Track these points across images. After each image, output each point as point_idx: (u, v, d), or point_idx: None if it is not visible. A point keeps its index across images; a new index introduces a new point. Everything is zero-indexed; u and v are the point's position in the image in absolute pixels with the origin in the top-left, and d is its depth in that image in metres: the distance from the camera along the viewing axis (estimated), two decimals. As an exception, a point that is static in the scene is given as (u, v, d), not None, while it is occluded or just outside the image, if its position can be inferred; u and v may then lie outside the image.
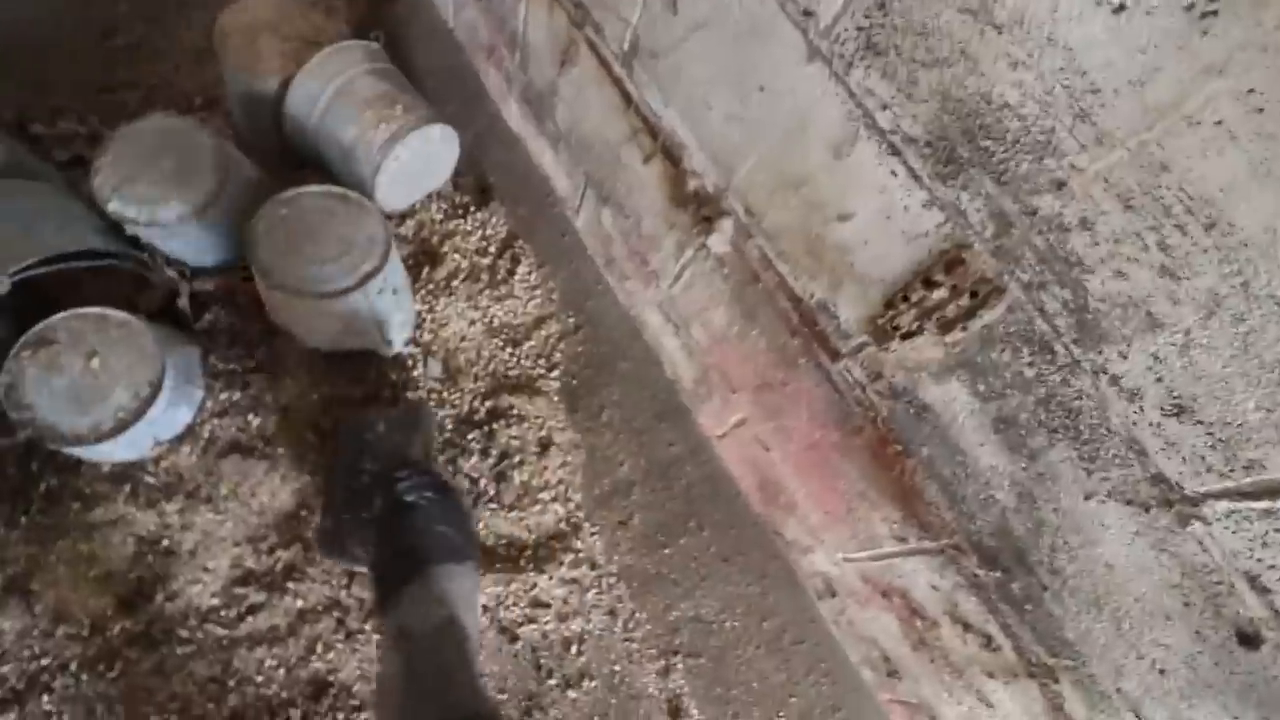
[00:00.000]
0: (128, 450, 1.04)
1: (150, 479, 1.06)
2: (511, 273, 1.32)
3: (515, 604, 1.17)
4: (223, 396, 1.11)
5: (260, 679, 1.06)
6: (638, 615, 1.21)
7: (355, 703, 1.08)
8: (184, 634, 1.04)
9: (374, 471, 0.95)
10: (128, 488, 1.05)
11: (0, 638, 0.98)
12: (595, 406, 1.27)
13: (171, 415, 1.04)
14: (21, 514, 1.02)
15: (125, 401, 0.98)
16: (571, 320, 1.30)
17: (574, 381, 1.28)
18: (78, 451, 0.97)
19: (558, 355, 1.29)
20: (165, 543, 1.05)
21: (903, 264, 0.67)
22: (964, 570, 0.77)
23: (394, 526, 0.84)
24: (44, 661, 0.99)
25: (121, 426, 0.96)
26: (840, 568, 1.00)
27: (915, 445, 0.76)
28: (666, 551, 1.21)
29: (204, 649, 1.05)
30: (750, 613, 1.16)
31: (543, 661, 1.14)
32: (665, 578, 1.21)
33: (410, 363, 1.24)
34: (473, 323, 1.28)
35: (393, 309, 1.13)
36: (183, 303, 1.14)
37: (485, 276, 1.31)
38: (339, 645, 1.09)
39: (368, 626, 1.11)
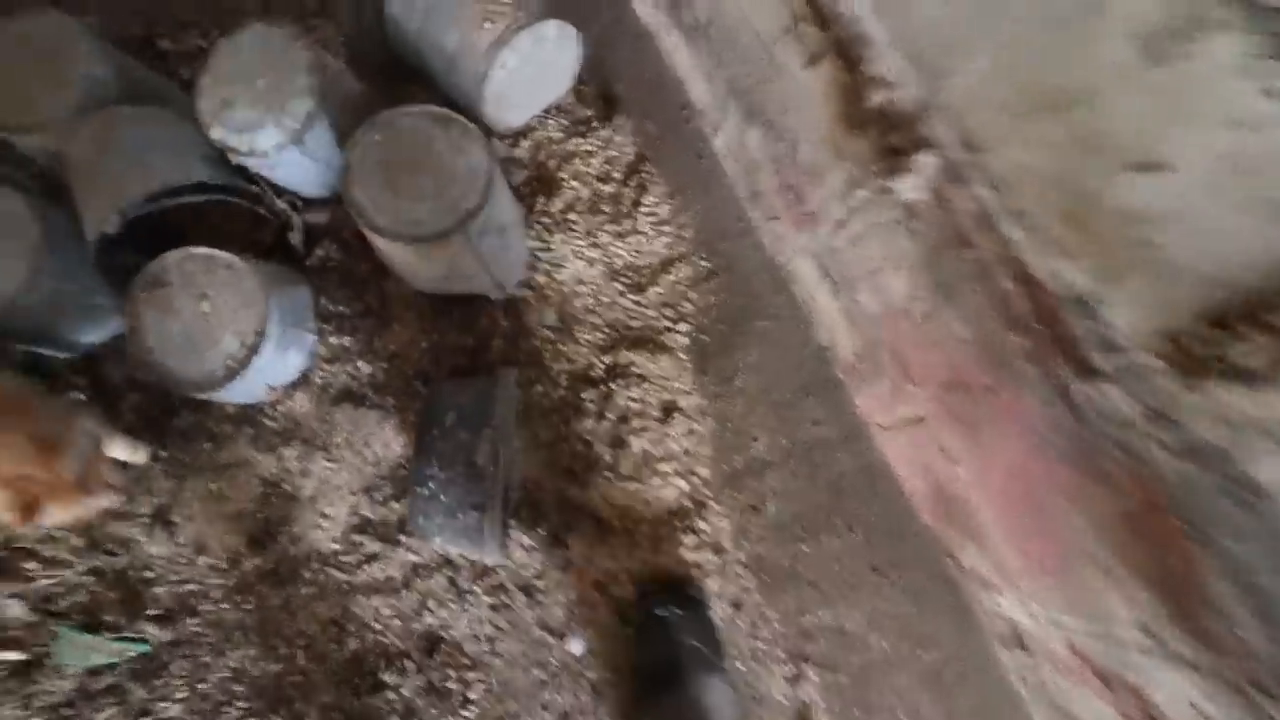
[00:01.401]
0: (243, 396, 1.02)
1: (270, 423, 1.05)
2: (637, 204, 1.11)
3: (627, 583, 1.06)
4: (333, 341, 1.05)
5: (378, 626, 1.05)
6: (766, 612, 1.05)
7: (466, 661, 1.05)
8: (307, 575, 1.05)
9: (457, 444, 0.85)
10: (250, 431, 1.04)
11: (152, 562, 1.04)
12: (728, 369, 1.07)
13: (282, 360, 0.99)
14: (161, 449, 1.05)
15: (234, 349, 0.94)
16: (705, 264, 1.08)
17: (705, 338, 1.08)
18: (202, 396, 0.96)
19: (687, 305, 1.09)
20: (286, 487, 1.04)
21: (1261, 259, 0.38)
22: (1261, 715, 0.52)
23: (647, 639, 0.93)
24: (190, 587, 1.04)
25: (230, 374, 0.93)
26: (1040, 625, 0.76)
27: (1214, 532, 0.49)
28: (804, 548, 1.03)
29: (325, 591, 1.06)
30: (904, 636, 0.96)
31: (655, 650, 1.03)
32: (801, 578, 1.03)
33: (523, 308, 1.10)
34: (592, 263, 1.11)
35: (500, 249, 0.98)
36: (294, 238, 1.07)
37: (607, 208, 1.11)
38: (451, 604, 1.05)
39: (478, 587, 1.06)
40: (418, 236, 0.90)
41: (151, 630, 1.05)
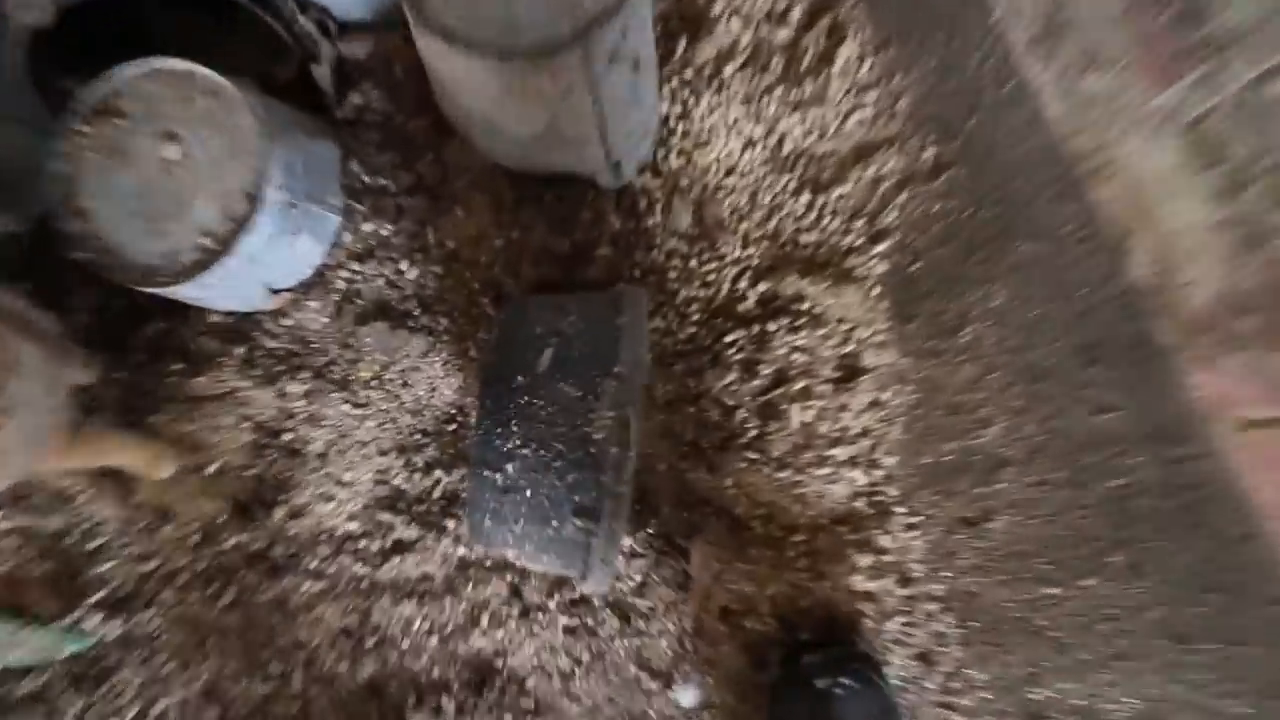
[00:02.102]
0: (231, 299, 0.68)
1: (270, 343, 0.71)
2: (827, 59, 0.74)
3: (769, 614, 0.72)
4: (366, 229, 0.71)
5: (406, 644, 0.73)
6: (971, 674, 0.71)
7: (529, 704, 0.73)
8: (313, 564, 0.73)
9: (557, 402, 0.50)
10: (241, 352, 0.71)
11: (97, 527, 0.73)
12: (951, 316, 0.71)
13: (289, 249, 0.65)
14: (118, 367, 0.72)
15: (211, 221, 0.60)
16: (929, 153, 0.71)
17: (916, 266, 0.72)
18: (164, 293, 0.62)
19: (892, 216, 0.73)
20: (288, 437, 0.72)
21: None
22: None
23: (793, 711, 0.63)
24: (148, 566, 0.73)
25: (204, 261, 0.59)
26: None
27: None
28: (1049, 590, 0.68)
29: (338, 588, 0.74)
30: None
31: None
32: (1039, 633, 0.69)
33: (646, 204, 0.74)
34: (751, 144, 0.74)
35: (627, 101, 0.63)
36: (321, 72, 0.72)
37: (779, 64, 0.74)
38: (511, 621, 0.73)
39: (552, 604, 0.73)
40: (510, 49, 0.54)
41: (95, 621, 0.74)
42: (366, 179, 0.72)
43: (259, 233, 0.62)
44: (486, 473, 0.50)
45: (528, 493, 0.50)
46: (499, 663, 0.74)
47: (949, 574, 0.73)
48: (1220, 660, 0.63)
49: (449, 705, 0.73)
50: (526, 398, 0.49)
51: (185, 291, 0.63)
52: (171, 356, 0.73)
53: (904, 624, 0.73)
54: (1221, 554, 0.61)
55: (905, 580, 0.73)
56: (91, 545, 0.75)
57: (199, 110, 0.62)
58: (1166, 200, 0.54)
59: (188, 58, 0.64)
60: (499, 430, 0.50)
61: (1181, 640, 0.63)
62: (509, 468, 0.50)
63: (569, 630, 0.74)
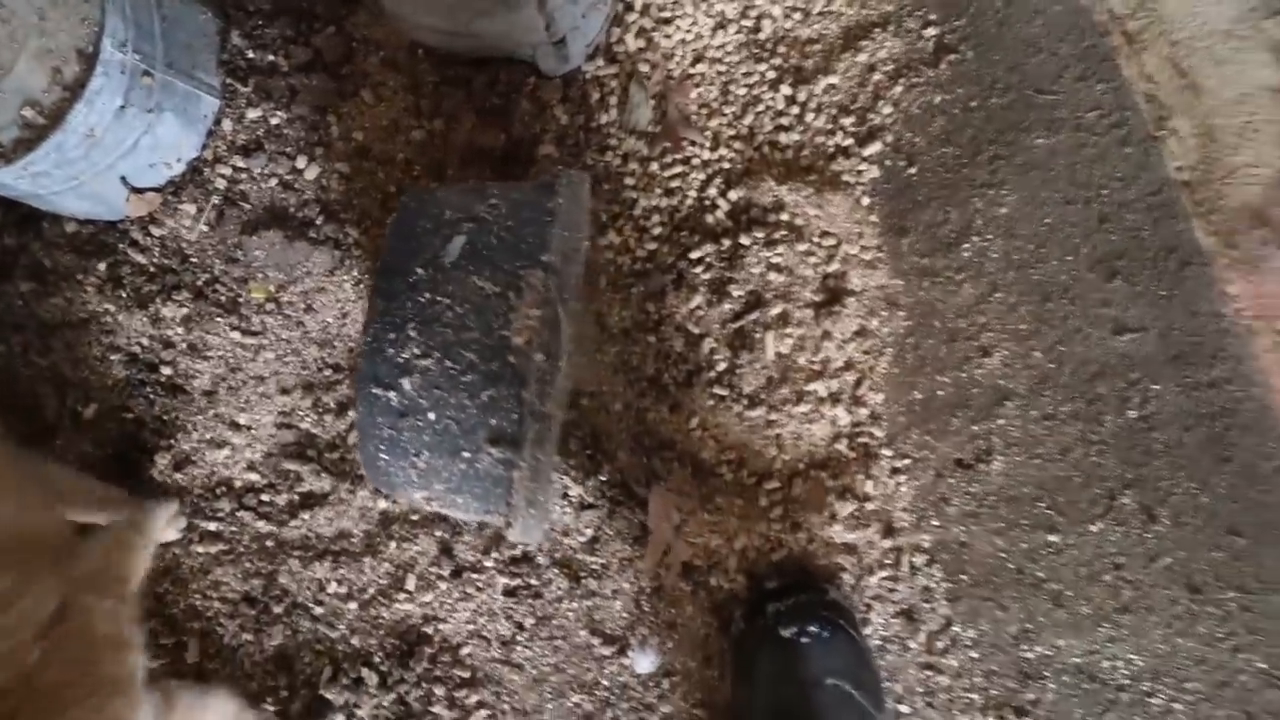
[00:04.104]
0: (85, 201, 0.55)
1: (138, 257, 0.58)
2: (813, -82, 0.62)
3: (736, 570, 0.64)
4: (252, 115, 0.58)
5: (320, 610, 0.63)
6: (957, 631, 0.64)
7: (463, 673, 0.64)
8: (209, 525, 0.62)
9: (466, 299, 0.38)
10: (103, 267, 0.58)
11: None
12: (951, 227, 0.61)
13: (146, 131, 0.52)
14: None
15: (35, 88, 0.46)
16: (930, 32, 0.60)
17: (910, 170, 0.62)
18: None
19: (886, 111, 0.62)
20: (167, 370, 0.59)
21: None
22: None
23: (765, 674, 0.57)
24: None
25: (29, 139, 0.46)
26: None
27: None
28: (1052, 538, 0.60)
29: (237, 549, 0.63)
30: (1231, 699, 0.55)
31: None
32: (1037, 585, 0.61)
33: (598, 95, 0.62)
34: (723, 24, 0.62)
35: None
36: (191, -77, 0.57)
37: (758, -77, 0.62)
38: (441, 583, 0.63)
39: (489, 563, 0.63)
40: None
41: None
42: (252, 54, 0.59)
43: (99, 103, 0.48)
44: (377, 390, 0.39)
45: (431, 415, 0.39)
46: (429, 630, 0.64)
47: (938, 522, 0.64)
48: (1238, 610, 0.56)
49: (370, 677, 0.64)
50: (429, 295, 0.38)
51: (14, 183, 0.50)
52: (20, 275, 0.60)
53: (886, 578, 0.65)
54: (1249, 490, 0.54)
55: (889, 530, 0.65)
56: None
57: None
58: (1220, 65, 0.44)
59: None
60: (392, 336, 0.39)
61: (1195, 590, 0.56)
62: (405, 384, 0.39)
63: (509, 592, 0.65)
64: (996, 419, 0.62)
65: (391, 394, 0.39)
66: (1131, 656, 0.60)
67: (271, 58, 0.58)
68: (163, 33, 0.52)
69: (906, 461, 0.65)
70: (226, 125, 0.58)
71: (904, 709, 0.65)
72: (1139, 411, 0.56)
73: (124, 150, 0.52)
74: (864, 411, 0.65)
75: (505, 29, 0.57)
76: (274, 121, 0.58)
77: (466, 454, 0.41)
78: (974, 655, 0.65)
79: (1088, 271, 0.57)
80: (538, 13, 0.55)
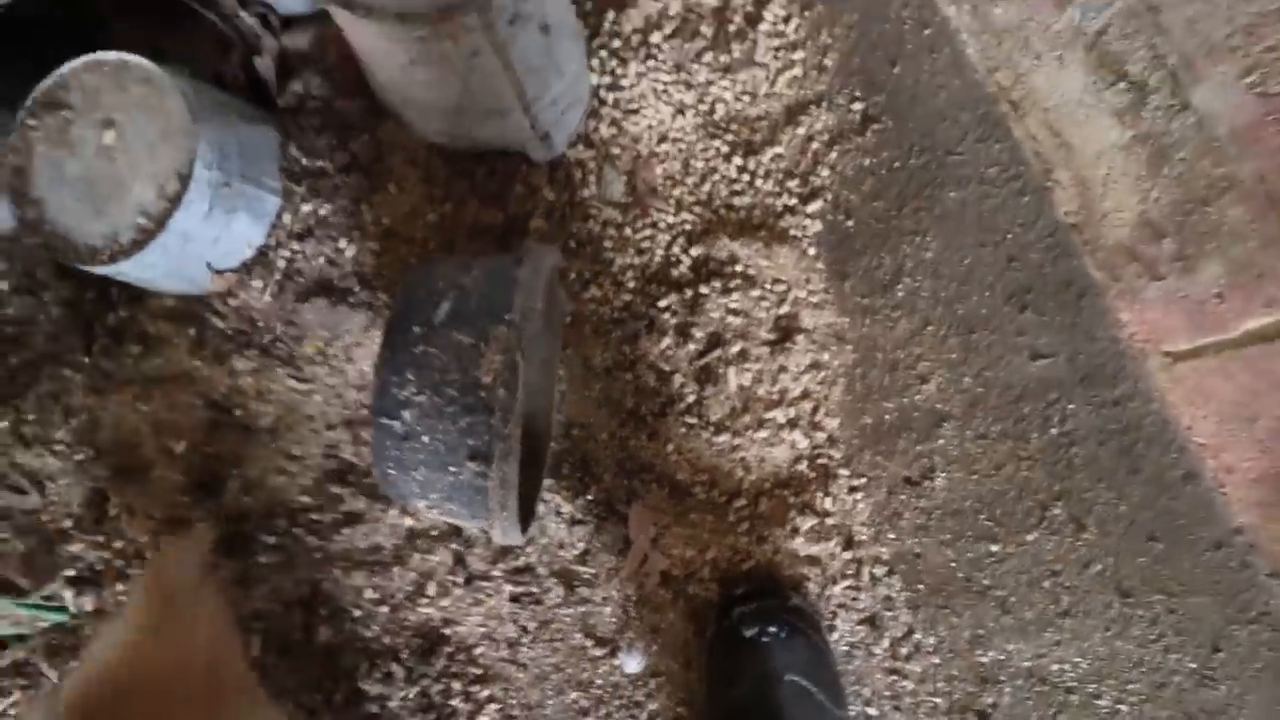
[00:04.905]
0: (179, 281, 0.71)
1: (218, 323, 0.74)
2: (754, 20, 0.73)
3: (710, 579, 0.72)
4: (305, 209, 0.73)
5: (358, 613, 0.75)
6: (919, 638, 0.70)
7: (475, 670, 0.74)
8: (269, 539, 0.75)
9: (450, 350, 0.51)
10: (192, 332, 0.74)
11: (71, 506, 0.76)
12: (885, 271, 0.70)
13: (226, 228, 0.68)
14: (86, 353, 0.76)
15: (147, 200, 0.62)
16: (857, 107, 0.70)
17: (849, 223, 0.71)
18: (108, 272, 0.65)
19: (824, 174, 0.72)
20: (239, 413, 0.74)
21: None
22: None
23: (729, 672, 0.65)
24: (118, 544, 0.76)
25: (142, 238, 0.62)
26: None
27: None
28: (994, 548, 0.66)
29: (293, 560, 0.76)
30: (1163, 706, 0.58)
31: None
32: (984, 592, 0.67)
33: (580, 175, 0.75)
34: (681, 110, 0.74)
35: (542, 62, 0.63)
36: (263, 64, 0.75)
37: (708, 29, 0.74)
38: (456, 589, 0.74)
39: (497, 571, 0.74)
40: (409, 12, 0.55)
41: (69, 596, 0.77)
42: (305, 161, 0.75)
43: (192, 210, 0.64)
44: (385, 420, 0.51)
45: (425, 439, 0.51)
46: (447, 631, 0.75)
47: (894, 535, 0.71)
48: (1164, 613, 0.60)
49: (399, 672, 0.74)
50: (422, 347, 0.51)
51: (130, 271, 0.66)
52: (130, 339, 0.77)
53: (848, 587, 0.72)
54: (1162, 499, 0.58)
55: (849, 543, 0.72)
56: (65, 524, 0.78)
57: (133, 97, 0.65)
58: (1080, 126, 0.52)
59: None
60: (395, 379, 0.51)
61: (1125, 594, 0.60)
62: (406, 415, 0.51)
63: (515, 598, 0.75)
64: (937, 439, 0.69)
65: (396, 423, 0.51)
66: (1076, 659, 0.64)
67: (320, 163, 0.74)
68: (238, 152, 0.68)
69: (862, 480, 0.72)
70: (286, 218, 0.73)
71: (872, 712, 0.71)
72: (1059, 429, 0.62)
73: (209, 242, 0.68)
74: (821, 435, 0.73)
75: (499, 131, 0.70)
76: (322, 213, 0.73)
77: (453, 469, 0.52)
78: (935, 661, 0.70)
79: (1004, 305, 0.64)
80: (524, 117, 0.69)
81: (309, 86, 0.77)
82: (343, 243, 0.74)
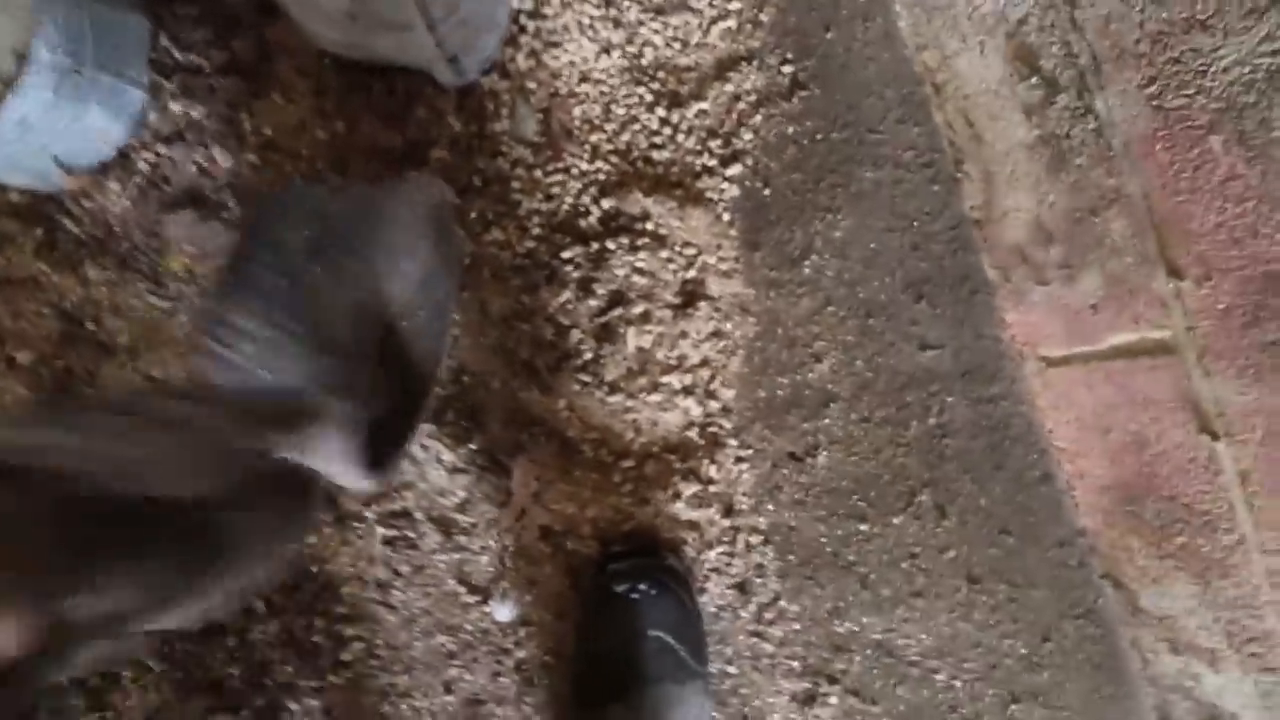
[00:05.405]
0: (22, 174, 0.63)
1: (71, 227, 0.66)
2: (693, -42, 0.68)
3: (590, 537, 0.72)
4: (175, 108, 0.65)
5: (222, 546, 0.71)
6: (784, 606, 0.72)
7: (342, 609, 0.73)
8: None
9: (299, 280, 0.47)
10: (40, 233, 0.66)
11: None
12: (796, 245, 0.68)
13: (79, 119, 0.60)
14: (-89, 241, 0.67)
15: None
16: (786, 70, 0.67)
17: (765, 191, 0.69)
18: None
19: (746, 137, 0.69)
20: (92, 326, 0.68)
21: None
22: None
23: (597, 626, 0.67)
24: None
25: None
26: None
27: None
28: (862, 527, 0.68)
29: (153, 486, 0.71)
30: (994, 685, 0.62)
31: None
32: (847, 568, 0.69)
33: (492, 107, 0.70)
34: (607, 49, 0.69)
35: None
36: (134, -68, 0.65)
37: (643, -41, 0.68)
38: (327, 528, 0.72)
39: (370, 513, 0.72)
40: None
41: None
42: (178, 55, 0.66)
43: (31, 96, 0.56)
44: (220, 349, 0.47)
45: (265, 376, 0.47)
46: (313, 568, 0.73)
47: (772, 507, 0.72)
48: (1005, 601, 0.64)
49: (261, 606, 0.72)
50: (268, 274, 0.46)
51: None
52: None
53: (723, 553, 0.73)
54: (1019, 496, 0.61)
55: (729, 511, 0.73)
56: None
57: (-41, -49, 0.56)
58: (993, 119, 0.51)
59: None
60: (234, 300, 0.47)
61: (974, 581, 0.64)
62: (246, 348, 0.47)
63: (388, 541, 0.73)
64: (824, 418, 0.70)
65: (234, 355, 0.46)
66: (922, 636, 0.68)
67: (195, 58, 0.66)
68: (94, 35, 0.60)
69: (749, 452, 0.73)
70: (153, 117, 0.65)
71: (732, 670, 0.73)
72: (937, 419, 0.64)
73: (54, 133, 0.60)
74: (715, 404, 0.73)
75: (400, 46, 0.64)
76: (194, 115, 0.66)
77: None
78: (796, 627, 0.73)
79: (901, 293, 0.64)
80: (428, 35, 0.62)
81: (189, -34, 0.68)
82: (217, 151, 0.67)
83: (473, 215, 0.71)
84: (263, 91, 0.66)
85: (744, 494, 0.73)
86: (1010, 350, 0.58)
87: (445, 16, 0.61)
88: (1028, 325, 0.56)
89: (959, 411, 0.62)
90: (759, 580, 0.73)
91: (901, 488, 0.67)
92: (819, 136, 0.67)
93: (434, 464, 0.71)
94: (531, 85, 0.71)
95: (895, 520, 0.67)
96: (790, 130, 0.68)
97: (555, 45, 0.70)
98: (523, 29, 0.70)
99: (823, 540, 0.71)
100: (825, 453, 0.70)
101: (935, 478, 0.65)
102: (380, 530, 0.72)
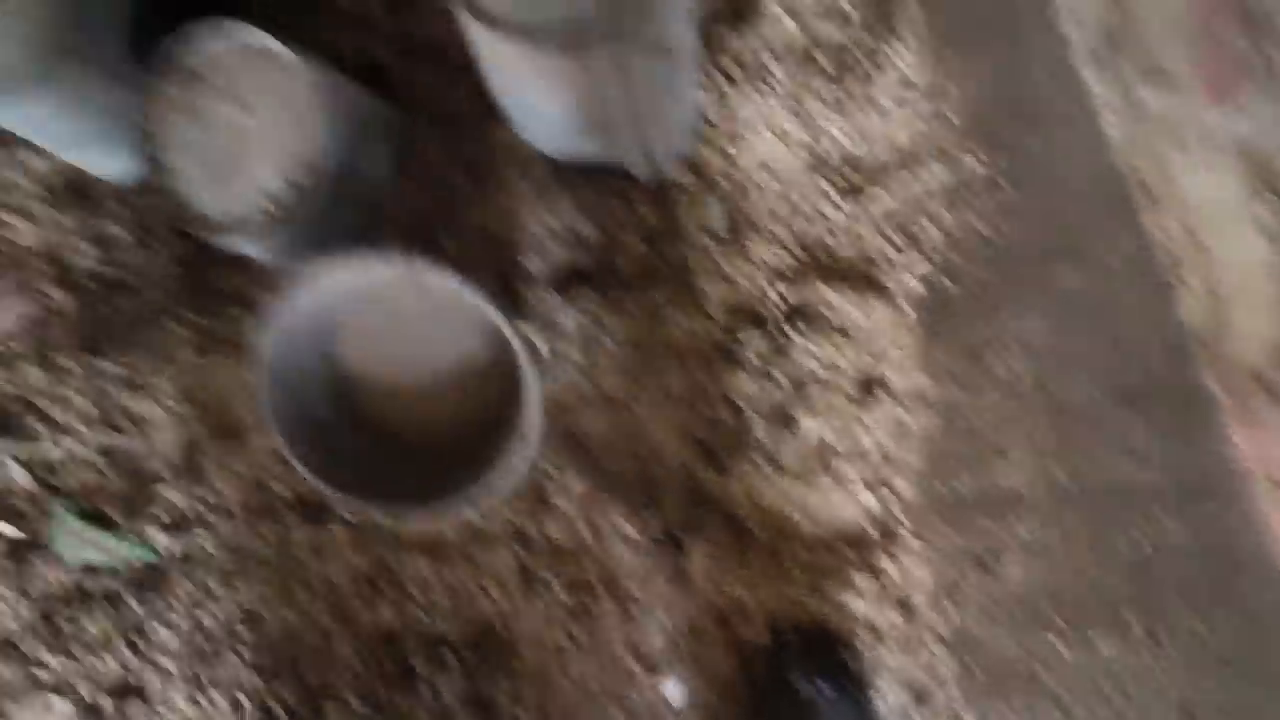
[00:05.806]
0: (282, 257, 0.74)
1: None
2: (879, 62, 0.71)
3: (761, 622, 0.72)
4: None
5: (420, 598, 0.79)
6: (963, 717, 0.69)
7: (524, 670, 0.77)
8: (346, 514, 0.79)
9: None
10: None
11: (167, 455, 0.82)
12: (981, 340, 0.67)
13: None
14: (191, 312, 0.81)
15: (268, 181, 0.66)
16: (979, 166, 0.67)
17: (950, 286, 0.69)
18: (223, 243, 0.70)
19: (931, 231, 0.70)
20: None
21: None
22: None
23: (772, 715, 0.66)
24: (207, 496, 0.82)
25: (262, 219, 0.65)
26: None
27: None
28: (1056, 644, 0.64)
29: (365, 537, 0.80)
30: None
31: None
32: (1038, 686, 0.65)
33: (679, 199, 0.75)
34: (789, 143, 0.73)
35: (662, 89, 0.63)
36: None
37: (828, 60, 0.72)
38: (515, 590, 0.77)
39: (555, 578, 0.76)
40: (537, 31, 0.55)
41: (158, 537, 0.84)
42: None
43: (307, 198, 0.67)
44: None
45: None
46: (499, 628, 0.78)
47: (953, 611, 0.70)
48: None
49: (452, 660, 0.78)
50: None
51: (248, 249, 0.70)
52: (233, 302, 0.81)
53: (900, 657, 0.71)
54: (1248, 630, 0.56)
55: (906, 610, 0.71)
56: (161, 470, 0.84)
57: (269, 81, 0.68)
58: (1221, 232, 0.49)
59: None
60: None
61: (1188, 715, 0.58)
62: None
63: (569, 609, 0.77)
64: (1013, 524, 0.67)
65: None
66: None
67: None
68: (354, 141, 0.70)
69: (928, 551, 0.71)
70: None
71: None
72: (1144, 534, 0.60)
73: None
74: (892, 497, 0.72)
75: (607, 148, 0.70)
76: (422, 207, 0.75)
77: None
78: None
79: (1105, 399, 0.61)
80: (634, 137, 0.68)
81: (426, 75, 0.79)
82: (442, 239, 0.76)
83: (660, 300, 0.75)
84: (485, 186, 0.75)
85: (923, 595, 0.71)
86: (1237, 470, 0.54)
87: (652, 122, 0.67)
88: (1261, 446, 0.52)
89: (1177, 533, 0.58)
90: (936, 686, 0.70)
91: (1105, 608, 0.63)
92: (1012, 235, 0.66)
93: (615, 537, 0.75)
94: (718, 179, 0.75)
95: (1096, 640, 0.63)
96: (982, 228, 0.68)
97: (741, 139, 0.75)
98: (713, 126, 0.75)
99: (1011, 653, 0.67)
100: (1014, 558, 0.67)
101: (1146, 601, 0.60)
102: (563, 597, 0.76)
